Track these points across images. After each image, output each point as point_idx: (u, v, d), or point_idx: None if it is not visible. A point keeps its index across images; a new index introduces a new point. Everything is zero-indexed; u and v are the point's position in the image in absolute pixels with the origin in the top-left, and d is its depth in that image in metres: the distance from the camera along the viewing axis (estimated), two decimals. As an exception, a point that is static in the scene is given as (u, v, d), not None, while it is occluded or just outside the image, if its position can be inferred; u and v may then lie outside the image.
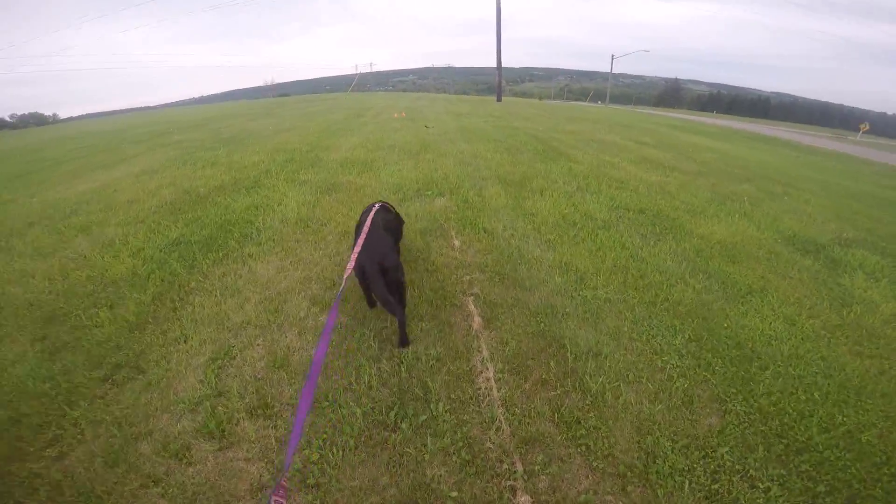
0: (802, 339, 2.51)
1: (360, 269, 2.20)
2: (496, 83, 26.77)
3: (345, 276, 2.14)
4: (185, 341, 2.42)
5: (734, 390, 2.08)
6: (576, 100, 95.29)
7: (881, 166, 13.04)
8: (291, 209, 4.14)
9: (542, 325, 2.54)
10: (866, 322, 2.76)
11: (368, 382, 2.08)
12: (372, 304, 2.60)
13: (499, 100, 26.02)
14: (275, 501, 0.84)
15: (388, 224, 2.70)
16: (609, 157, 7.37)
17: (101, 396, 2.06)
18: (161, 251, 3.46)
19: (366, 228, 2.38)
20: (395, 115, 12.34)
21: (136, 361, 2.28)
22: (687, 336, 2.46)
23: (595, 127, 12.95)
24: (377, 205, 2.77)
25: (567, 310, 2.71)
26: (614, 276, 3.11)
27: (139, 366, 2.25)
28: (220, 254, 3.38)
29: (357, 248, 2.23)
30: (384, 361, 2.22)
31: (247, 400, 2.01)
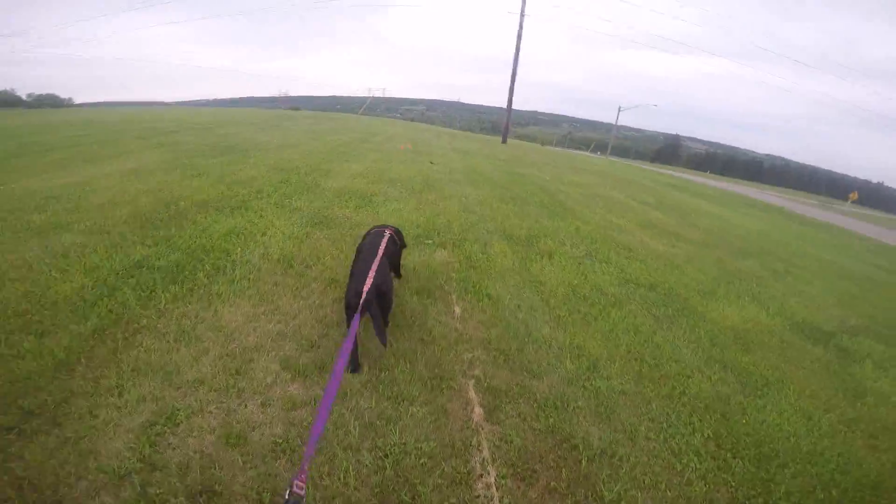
0: (820, 435, 2.42)
1: (365, 302, 2.16)
2: (504, 124, 27.34)
3: (362, 301, 2.14)
4: (120, 394, 1.96)
5: (754, 493, 1.94)
6: (577, 148, 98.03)
7: (869, 242, 13.22)
8: (276, 242, 3.76)
9: (551, 419, 2.20)
10: (880, 414, 2.73)
11: (343, 479, 1.68)
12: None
13: (504, 141, 26.46)
14: (297, 486, 0.82)
15: (394, 256, 2.71)
16: (615, 217, 7.21)
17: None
18: (117, 274, 3.01)
19: (378, 258, 2.41)
20: (402, 147, 12.23)
21: (55, 411, 1.82)
22: (706, 434, 2.24)
23: (599, 181, 13.01)
24: (388, 231, 2.74)
25: (579, 402, 2.37)
26: (629, 365, 2.79)
27: (57, 417, 1.80)
28: (185, 287, 2.95)
29: (370, 279, 2.25)
30: (364, 453, 1.82)
31: (188, 481, 1.59)
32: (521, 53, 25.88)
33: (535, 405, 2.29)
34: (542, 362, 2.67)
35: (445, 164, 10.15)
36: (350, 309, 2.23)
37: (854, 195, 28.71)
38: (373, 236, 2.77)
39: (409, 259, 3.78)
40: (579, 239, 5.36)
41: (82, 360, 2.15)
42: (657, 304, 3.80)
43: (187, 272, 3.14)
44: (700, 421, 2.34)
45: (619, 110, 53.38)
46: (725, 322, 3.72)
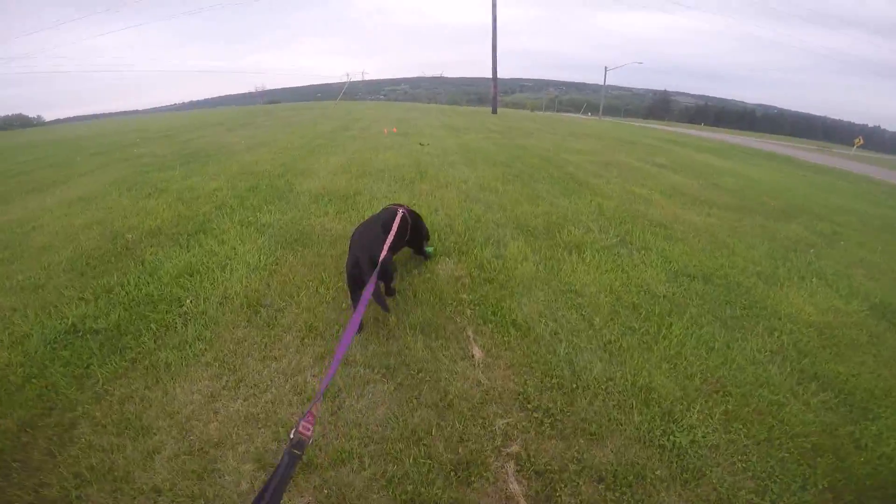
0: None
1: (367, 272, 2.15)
2: (492, 95, 25.96)
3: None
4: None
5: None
6: (565, 111, 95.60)
7: (887, 186, 12.39)
8: (238, 278, 2.95)
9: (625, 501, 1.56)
10: None
11: None
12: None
13: (494, 111, 25.19)
14: (303, 426, 0.83)
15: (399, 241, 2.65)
16: (636, 187, 6.35)
17: None
18: (49, 344, 2.32)
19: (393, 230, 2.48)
20: (385, 132, 11.13)
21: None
22: (820, 486, 1.70)
23: (602, 145, 12.04)
24: (402, 210, 2.74)
25: (657, 471, 1.70)
26: (712, 403, 2.07)
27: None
28: (127, 358, 2.23)
29: (387, 245, 2.30)
30: None
31: None
32: (499, 22, 24.35)
33: (600, 485, 1.64)
34: (601, 418, 1.95)
35: (437, 144, 9.21)
36: (353, 280, 2.24)
37: (859, 140, 27.64)
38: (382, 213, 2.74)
39: (406, 280, 2.99)
40: (605, 220, 4.54)
41: (14, 464, 1.68)
42: (720, 303, 3.02)
43: (130, 335, 2.41)
44: (811, 468, 1.77)
45: (606, 70, 51.67)
46: (802, 317, 2.97)
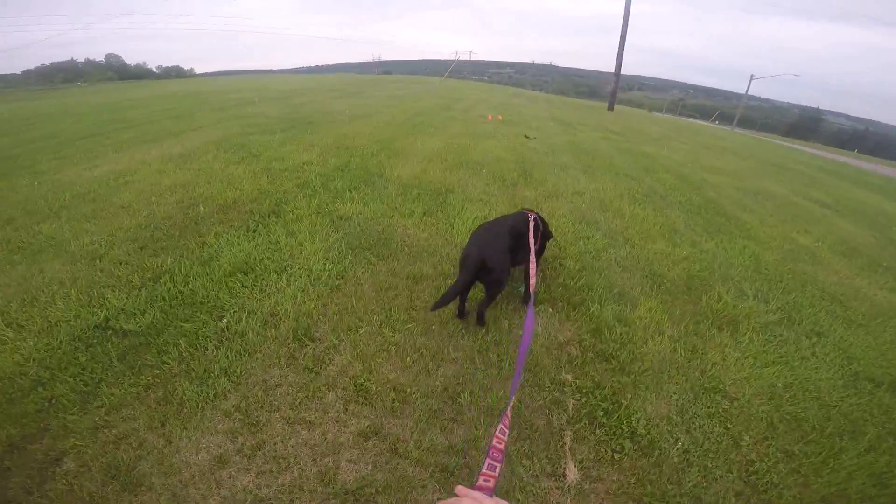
0: None
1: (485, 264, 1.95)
2: (611, 89, 23.44)
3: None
4: None
5: None
6: (689, 116, 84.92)
7: None
8: (293, 293, 2.39)
9: None
10: None
11: None
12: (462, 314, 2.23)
13: (611, 108, 22.76)
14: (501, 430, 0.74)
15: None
16: (798, 233, 4.77)
17: None
18: (73, 341, 1.99)
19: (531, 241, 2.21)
20: (490, 118, 10.20)
21: None
22: None
23: (746, 166, 9.86)
24: (533, 216, 2.40)
25: None
26: None
27: None
28: (142, 382, 1.82)
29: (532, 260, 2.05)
30: None
31: None
32: (620, 13, 21.63)
33: None
34: None
35: (545, 139, 8.11)
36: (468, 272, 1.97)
37: None
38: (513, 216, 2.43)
39: (491, 326, 2.18)
40: (764, 281, 3.27)
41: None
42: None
43: (155, 349, 1.98)
44: None
45: (752, 78, 44.40)
46: None
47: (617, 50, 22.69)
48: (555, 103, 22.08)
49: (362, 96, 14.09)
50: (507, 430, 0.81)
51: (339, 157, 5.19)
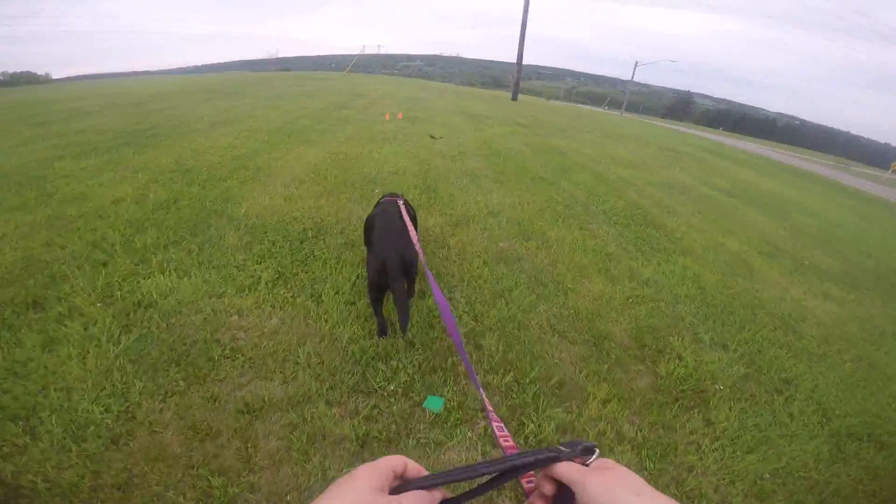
0: None
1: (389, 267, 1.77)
2: (514, 80, 23.55)
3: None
4: None
5: None
6: (582, 103, 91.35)
7: None
8: (40, 455, 1.10)
9: None
10: None
11: None
12: (383, 332, 1.99)
13: (515, 98, 22.86)
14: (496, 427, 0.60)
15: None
16: (724, 236, 4.48)
17: None
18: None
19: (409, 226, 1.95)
20: (387, 116, 8.85)
21: None
22: None
23: (649, 154, 10.00)
24: (400, 200, 2.24)
25: None
26: None
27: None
28: None
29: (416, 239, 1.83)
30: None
31: None
32: (516, 7, 21.86)
33: None
34: None
35: (452, 138, 7.21)
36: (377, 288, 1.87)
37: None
38: (385, 205, 2.20)
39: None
40: (716, 315, 2.74)
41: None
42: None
43: None
44: None
45: (636, 65, 48.66)
46: None
47: (518, 41, 22.82)
48: (463, 95, 21.54)
49: (239, 96, 11.99)
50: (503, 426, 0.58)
51: (167, 189, 3.70)
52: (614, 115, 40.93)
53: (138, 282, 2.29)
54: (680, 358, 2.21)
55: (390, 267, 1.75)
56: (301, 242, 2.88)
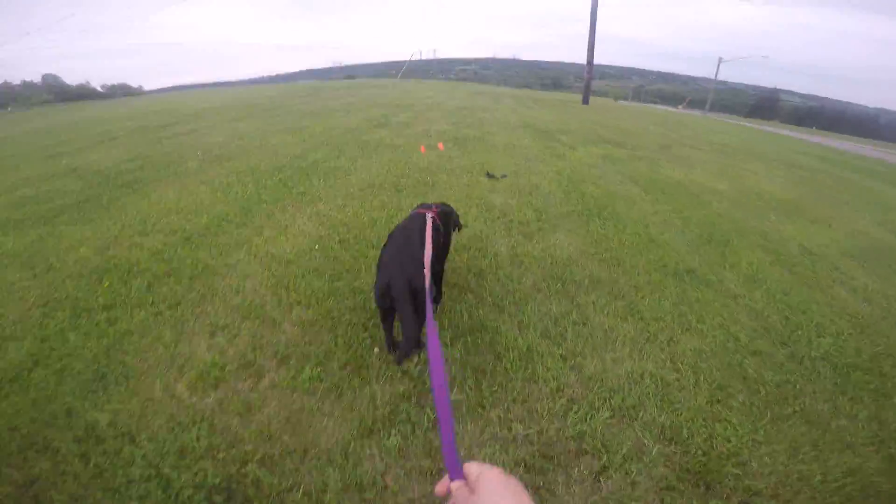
0: None
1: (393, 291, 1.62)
2: (586, 81, 20.62)
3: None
4: None
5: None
6: (652, 102, 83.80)
7: None
8: None
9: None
10: None
11: None
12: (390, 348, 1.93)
13: (585, 102, 19.97)
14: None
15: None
16: None
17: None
18: None
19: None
20: (423, 150, 5.95)
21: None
22: None
23: (786, 181, 7.04)
24: (431, 214, 2.02)
25: None
26: None
27: None
28: None
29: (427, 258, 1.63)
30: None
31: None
32: (574, 6, 19.08)
33: None
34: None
35: (521, 173, 4.97)
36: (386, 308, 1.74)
37: None
38: (410, 219, 2.06)
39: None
40: None
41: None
42: None
43: None
44: None
45: (720, 62, 43.01)
46: None
47: (589, 39, 19.99)
48: (523, 100, 19.06)
49: (270, 115, 10.64)
50: None
51: (37, 333, 1.89)
52: (697, 115, 36.13)
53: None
54: None
55: (395, 293, 1.60)
56: None
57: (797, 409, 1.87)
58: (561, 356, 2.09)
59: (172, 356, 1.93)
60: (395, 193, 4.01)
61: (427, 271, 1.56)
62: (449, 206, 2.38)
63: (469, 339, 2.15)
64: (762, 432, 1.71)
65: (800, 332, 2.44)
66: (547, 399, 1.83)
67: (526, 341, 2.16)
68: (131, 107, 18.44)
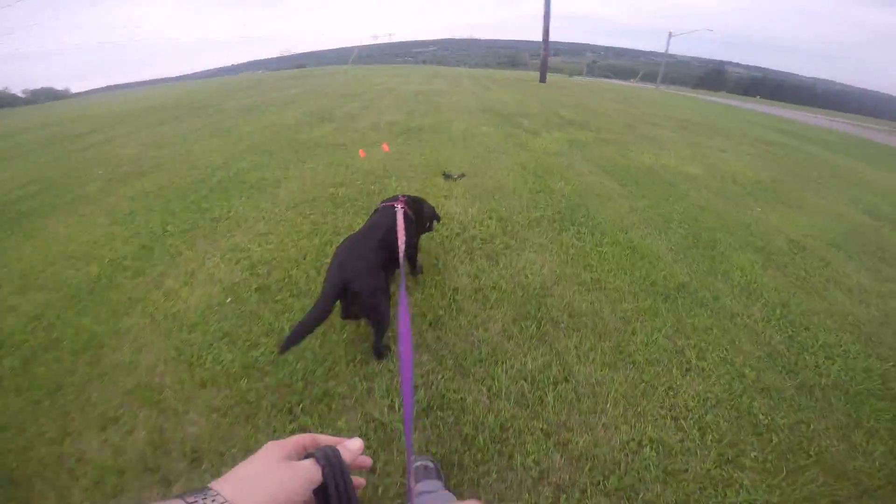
0: None
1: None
2: (542, 58, 20.10)
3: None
4: None
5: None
6: (605, 76, 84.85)
7: None
8: None
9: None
10: None
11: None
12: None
13: (543, 80, 19.51)
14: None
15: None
16: None
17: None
18: None
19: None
20: (362, 154, 4.86)
21: None
22: None
23: (753, 157, 6.87)
24: (399, 205, 1.97)
25: None
26: None
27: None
28: None
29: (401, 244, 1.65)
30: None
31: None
32: None
33: None
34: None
35: (481, 170, 4.40)
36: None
37: None
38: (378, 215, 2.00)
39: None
40: None
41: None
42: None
43: None
44: None
45: (670, 36, 43.76)
46: None
47: (543, 17, 19.43)
48: (481, 80, 18.37)
49: (203, 113, 9.50)
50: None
51: None
52: (650, 88, 36.67)
53: None
54: None
55: (353, 292, 1.59)
56: None
57: (812, 454, 1.58)
58: (542, 431, 1.62)
59: (59, 457, 1.46)
60: (333, 209, 3.33)
61: (401, 260, 1.58)
62: (419, 197, 2.25)
63: (427, 422, 1.64)
64: (777, 493, 1.43)
65: (807, 357, 2.08)
66: (529, 490, 1.42)
67: (498, 417, 1.67)
68: (49, 113, 16.47)
